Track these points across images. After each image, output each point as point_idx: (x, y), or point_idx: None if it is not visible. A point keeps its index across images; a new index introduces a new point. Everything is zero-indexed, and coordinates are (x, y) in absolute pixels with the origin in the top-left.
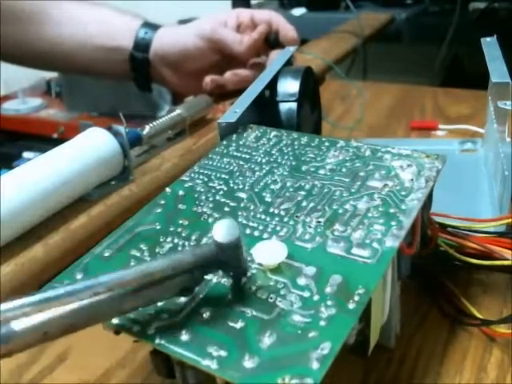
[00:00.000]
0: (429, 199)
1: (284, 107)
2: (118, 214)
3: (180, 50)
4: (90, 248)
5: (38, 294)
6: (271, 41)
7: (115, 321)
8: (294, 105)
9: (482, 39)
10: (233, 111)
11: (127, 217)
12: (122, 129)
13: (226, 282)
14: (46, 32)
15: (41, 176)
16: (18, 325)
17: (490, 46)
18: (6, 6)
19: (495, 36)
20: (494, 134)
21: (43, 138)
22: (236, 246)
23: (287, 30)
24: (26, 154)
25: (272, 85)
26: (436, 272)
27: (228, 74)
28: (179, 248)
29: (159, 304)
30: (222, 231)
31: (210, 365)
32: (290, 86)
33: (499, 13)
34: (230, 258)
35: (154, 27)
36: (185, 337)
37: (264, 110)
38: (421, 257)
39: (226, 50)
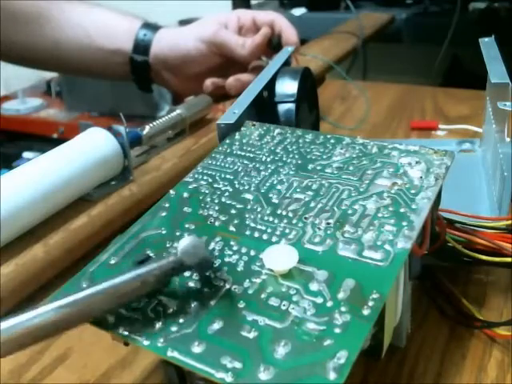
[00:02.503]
0: (438, 196)
1: (282, 108)
2: (118, 213)
3: (181, 53)
4: (90, 248)
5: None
6: (274, 44)
7: (124, 332)
8: (292, 105)
9: (481, 39)
10: (231, 112)
11: (127, 217)
12: (122, 129)
13: (236, 289)
14: (46, 33)
15: (41, 176)
16: None
17: (488, 46)
18: (6, 6)
19: (493, 36)
20: (493, 135)
21: (43, 138)
22: (202, 263)
23: (289, 35)
24: (25, 154)
25: (270, 85)
26: (436, 272)
27: (231, 80)
28: None
29: (169, 312)
30: (187, 249)
31: (224, 378)
32: (288, 87)
33: (499, 13)
34: (194, 266)
35: (153, 28)
36: (197, 348)
37: (263, 111)
38: (428, 254)
39: (228, 54)
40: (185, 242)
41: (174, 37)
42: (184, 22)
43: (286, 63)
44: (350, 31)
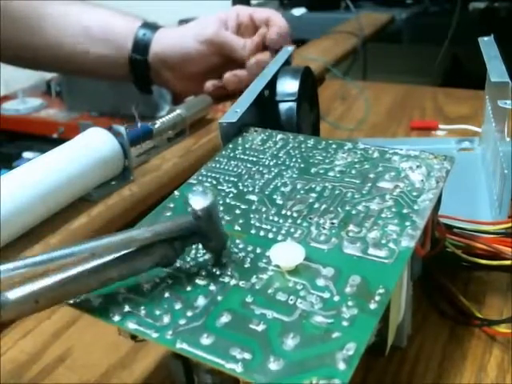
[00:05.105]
0: (438, 200)
1: (283, 107)
2: (118, 214)
3: (181, 52)
4: None
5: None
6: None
7: (132, 326)
8: (293, 104)
9: (480, 39)
10: (233, 111)
11: (127, 217)
12: (122, 129)
13: (243, 284)
14: (46, 34)
15: (41, 176)
16: (12, 294)
17: (487, 45)
18: (6, 7)
19: (492, 35)
20: (492, 133)
21: (43, 138)
22: (210, 213)
23: (274, 30)
24: (25, 154)
25: (271, 85)
26: (436, 271)
27: (228, 75)
28: (192, 251)
29: (177, 307)
30: (196, 201)
31: (234, 368)
32: (289, 86)
33: (499, 13)
34: (207, 226)
35: (153, 28)
36: (206, 340)
37: (264, 110)
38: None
39: (228, 54)
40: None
41: (175, 36)
42: (184, 22)
43: (287, 63)
44: (349, 31)
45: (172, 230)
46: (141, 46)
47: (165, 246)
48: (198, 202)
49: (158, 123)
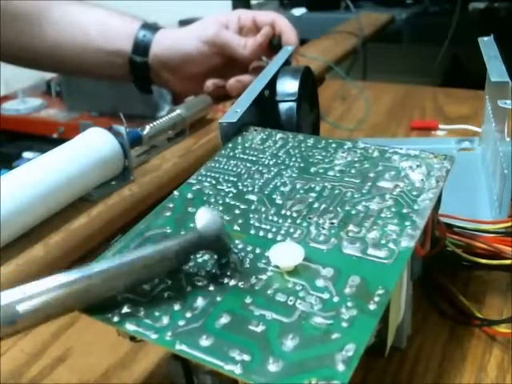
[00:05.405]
0: (438, 200)
1: (284, 107)
2: (118, 214)
3: (181, 54)
4: (90, 248)
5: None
6: (274, 44)
7: (131, 327)
8: (293, 104)
9: (480, 39)
10: (233, 111)
11: (127, 217)
12: (122, 129)
13: (243, 285)
14: (46, 34)
15: (41, 176)
16: (22, 307)
17: (487, 45)
18: (6, 7)
19: (492, 35)
20: (492, 133)
21: (43, 138)
22: (218, 234)
23: (289, 36)
24: (25, 154)
25: (271, 85)
26: (435, 271)
27: (232, 81)
28: None
29: (176, 308)
30: (203, 221)
31: (233, 369)
32: (289, 86)
33: (499, 13)
34: (213, 243)
35: (153, 29)
36: (205, 342)
37: (264, 110)
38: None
39: (229, 54)
40: (202, 216)
41: (175, 37)
42: (184, 22)
43: (287, 62)
44: (349, 31)
45: (178, 251)
46: (141, 48)
47: (171, 260)
48: (206, 223)
49: (147, 128)
